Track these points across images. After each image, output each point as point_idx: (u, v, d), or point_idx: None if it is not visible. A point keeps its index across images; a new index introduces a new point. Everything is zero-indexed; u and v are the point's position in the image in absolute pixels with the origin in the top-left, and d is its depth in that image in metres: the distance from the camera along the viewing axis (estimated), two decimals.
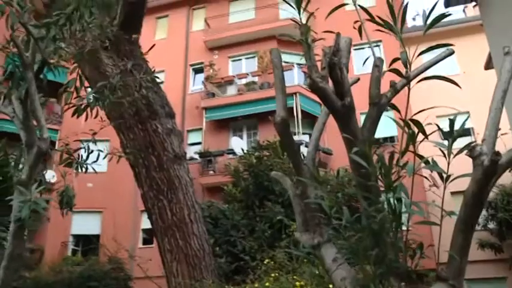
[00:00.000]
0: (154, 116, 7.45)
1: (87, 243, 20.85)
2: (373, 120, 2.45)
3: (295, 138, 18.44)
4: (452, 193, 6.85)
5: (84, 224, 21.77)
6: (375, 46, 20.60)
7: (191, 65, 24.08)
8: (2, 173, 4.49)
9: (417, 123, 2.37)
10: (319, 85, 2.33)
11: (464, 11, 23.42)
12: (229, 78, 22.22)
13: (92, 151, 3.96)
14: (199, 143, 21.21)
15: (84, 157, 4.11)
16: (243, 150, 14.92)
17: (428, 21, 2.44)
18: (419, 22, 21.98)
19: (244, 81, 21.95)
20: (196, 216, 7.53)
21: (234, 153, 18.81)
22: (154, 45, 5.76)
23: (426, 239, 2.23)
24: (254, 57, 22.72)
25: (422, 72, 2.59)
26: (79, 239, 21.96)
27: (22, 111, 3.18)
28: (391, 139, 18.76)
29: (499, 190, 15.26)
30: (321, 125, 2.83)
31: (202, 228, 7.62)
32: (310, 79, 2.34)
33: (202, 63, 23.55)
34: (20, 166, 3.39)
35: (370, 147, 2.31)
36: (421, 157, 2.32)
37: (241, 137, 21.00)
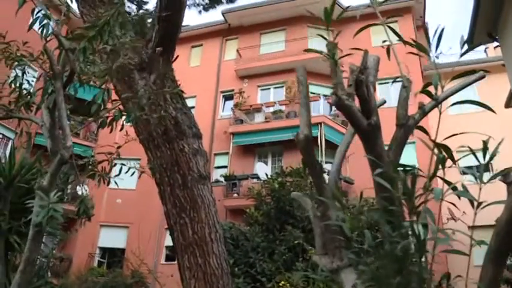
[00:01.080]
0: (181, 136, 7.32)
1: (113, 255, 20.88)
2: (399, 142, 2.27)
3: None
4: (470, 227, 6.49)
5: (111, 238, 21.85)
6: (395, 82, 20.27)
7: (222, 92, 24.22)
8: (29, 182, 4.41)
9: (446, 148, 2.17)
10: (344, 102, 2.16)
11: (485, 51, 23.11)
12: (258, 106, 22.21)
13: (115, 164, 3.85)
14: (225, 167, 21.13)
15: (115, 172, 4.02)
16: (266, 175, 14.71)
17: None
18: (441, 60, 21.59)
19: (271, 109, 21.91)
20: (217, 236, 7.30)
21: (258, 177, 18.61)
22: (177, 56, 5.66)
23: (442, 267, 2.01)
24: (282, 86, 22.72)
25: (451, 95, 2.39)
26: (105, 251, 22.03)
27: (50, 119, 3.09)
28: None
29: None
30: (345, 146, 2.65)
31: (222, 247, 7.37)
32: (336, 96, 2.17)
33: (232, 90, 23.68)
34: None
35: (396, 170, 2.11)
36: (449, 183, 2.11)
37: (266, 162, 20.83)
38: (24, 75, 3.59)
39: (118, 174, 3.89)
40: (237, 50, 24.37)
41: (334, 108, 21.42)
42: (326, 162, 19.39)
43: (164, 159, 7.39)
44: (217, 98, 23.91)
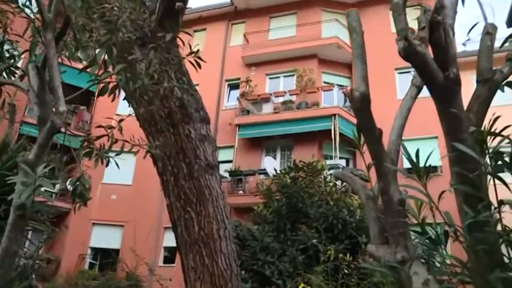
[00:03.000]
0: (187, 120, 6.97)
1: (106, 257, 20.48)
2: (482, 100, 1.92)
3: (332, 162, 17.85)
4: None
5: (104, 237, 21.54)
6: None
7: (227, 81, 23.93)
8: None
9: None
10: (416, 48, 1.80)
11: None
12: (266, 95, 21.87)
13: (117, 140, 3.50)
14: (230, 161, 20.83)
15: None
16: (275, 170, 14.39)
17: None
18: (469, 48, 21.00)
19: (281, 99, 21.59)
20: (225, 233, 6.96)
21: (266, 173, 18.29)
22: (189, 34, 5.32)
23: None
24: (293, 75, 22.38)
25: None
26: (98, 252, 21.73)
27: (38, 82, 2.75)
28: (433, 169, 17.96)
29: None
30: (406, 110, 2.29)
31: (232, 246, 7.04)
32: (405, 40, 1.80)
33: (238, 79, 23.37)
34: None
35: (483, 135, 1.76)
36: None
37: (274, 157, 20.51)
38: (6, 33, 3.25)
39: (119, 153, 3.54)
40: (244, 35, 24.01)
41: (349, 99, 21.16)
42: (340, 158, 19.07)
43: (167, 146, 7.05)
44: (221, 87, 23.60)
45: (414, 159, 1.88)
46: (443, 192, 1.74)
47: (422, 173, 1.73)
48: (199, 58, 3.95)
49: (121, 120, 3.47)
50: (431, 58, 1.82)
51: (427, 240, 1.75)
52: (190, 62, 3.95)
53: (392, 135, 2.26)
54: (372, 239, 2.11)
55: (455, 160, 1.82)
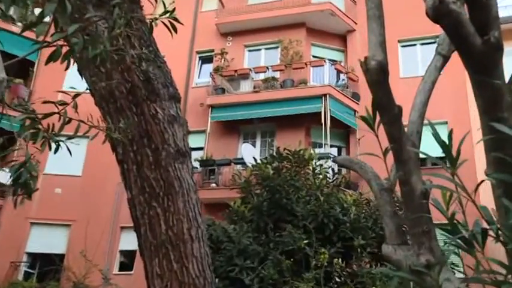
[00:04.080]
0: (154, 97, 6.90)
1: (47, 264, 19.86)
2: None
3: (322, 150, 17.91)
4: None
5: (46, 240, 21.07)
6: (430, 43, 20.06)
7: (198, 53, 23.83)
8: None
9: None
10: (449, 7, 1.74)
11: None
12: (244, 71, 21.81)
13: (70, 120, 3.37)
14: (200, 149, 20.73)
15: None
16: (255, 159, 14.33)
17: None
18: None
19: (262, 76, 21.57)
20: (198, 233, 6.96)
21: (243, 163, 18.28)
22: None
23: None
24: (277, 47, 22.38)
25: None
26: (36, 258, 21.30)
27: None
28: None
29: None
30: (430, 84, 2.26)
31: (205, 249, 7.03)
32: None
33: (212, 51, 23.26)
34: None
35: None
36: None
37: (253, 144, 20.54)
38: None
39: (72, 137, 3.39)
40: None
41: (342, 76, 21.19)
42: (331, 146, 19.15)
43: (130, 127, 6.94)
44: (191, 60, 23.46)
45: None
46: (481, 182, 1.70)
47: (455, 159, 1.69)
48: (176, 20, 3.84)
49: (76, 95, 3.34)
50: (467, 19, 1.77)
51: (458, 241, 1.71)
52: (165, 25, 3.84)
53: (412, 115, 2.23)
54: (388, 238, 2.07)
55: (493, 144, 1.79)
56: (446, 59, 2.34)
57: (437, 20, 1.79)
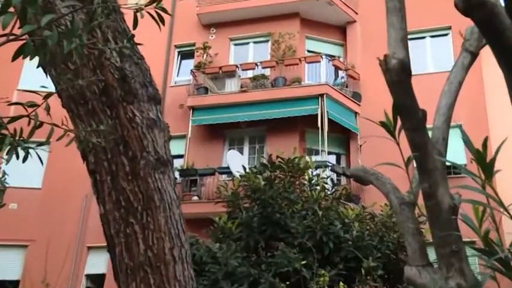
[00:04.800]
0: (131, 99, 6.88)
1: None
2: None
3: (318, 158, 17.96)
4: None
5: None
6: (442, 36, 20.24)
7: (177, 47, 23.93)
8: None
9: None
10: None
11: None
12: (230, 68, 21.89)
13: (42, 124, 3.36)
14: (180, 156, 20.71)
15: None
16: (244, 168, 14.33)
17: None
18: None
19: (250, 73, 21.64)
20: (182, 253, 6.93)
21: (229, 172, 18.31)
22: None
23: None
24: (267, 41, 22.49)
25: None
26: None
27: None
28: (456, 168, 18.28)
29: None
30: (457, 85, 2.28)
31: (190, 271, 7.01)
32: None
33: (192, 44, 23.39)
34: None
35: None
36: None
37: (241, 151, 20.57)
38: None
39: (44, 143, 3.38)
40: None
41: (341, 74, 21.25)
42: (329, 153, 19.23)
43: (103, 133, 6.94)
44: (169, 56, 23.53)
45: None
46: None
47: (490, 169, 1.70)
48: (163, 10, 3.84)
49: (48, 95, 3.33)
50: (503, 11, 1.79)
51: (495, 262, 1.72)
52: (151, 15, 3.83)
53: (437, 119, 2.25)
54: (411, 259, 2.09)
55: None
56: (474, 56, 2.36)
57: (469, 13, 1.81)
